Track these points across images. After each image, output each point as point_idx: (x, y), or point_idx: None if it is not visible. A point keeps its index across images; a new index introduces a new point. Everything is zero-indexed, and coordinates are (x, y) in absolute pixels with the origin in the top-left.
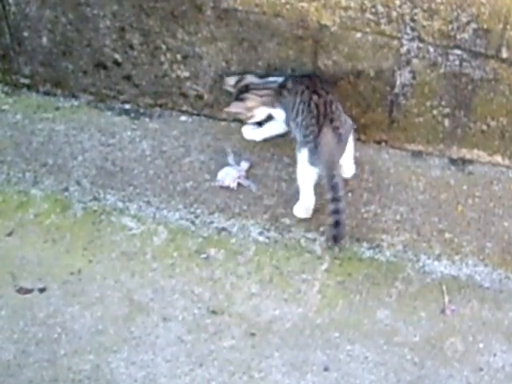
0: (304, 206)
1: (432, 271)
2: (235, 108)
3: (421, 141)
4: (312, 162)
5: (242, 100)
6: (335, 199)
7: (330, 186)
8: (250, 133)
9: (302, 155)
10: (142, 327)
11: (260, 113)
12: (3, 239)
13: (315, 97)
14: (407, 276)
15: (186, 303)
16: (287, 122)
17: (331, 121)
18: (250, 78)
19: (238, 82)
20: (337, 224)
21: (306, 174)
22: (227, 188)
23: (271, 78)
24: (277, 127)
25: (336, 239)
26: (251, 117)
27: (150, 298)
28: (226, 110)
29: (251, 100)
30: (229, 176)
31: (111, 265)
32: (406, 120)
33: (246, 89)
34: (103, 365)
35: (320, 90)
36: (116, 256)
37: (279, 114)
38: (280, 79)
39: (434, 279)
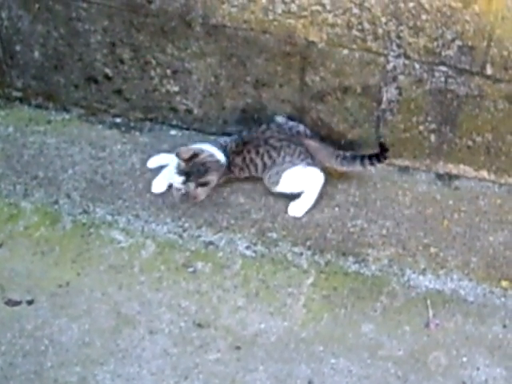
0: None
1: (417, 285)
2: (204, 195)
3: (407, 156)
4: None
5: (206, 185)
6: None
7: (353, 155)
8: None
9: (294, 170)
10: (128, 340)
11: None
12: None
13: (273, 140)
14: (392, 290)
15: (173, 316)
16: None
17: (299, 133)
18: (200, 160)
19: (192, 157)
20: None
21: (316, 177)
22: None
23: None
24: None
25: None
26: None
27: (136, 311)
28: (196, 201)
29: (214, 181)
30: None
31: (99, 278)
32: (392, 135)
33: (205, 170)
34: (89, 377)
35: (271, 133)
36: (104, 269)
37: None
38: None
39: (418, 293)
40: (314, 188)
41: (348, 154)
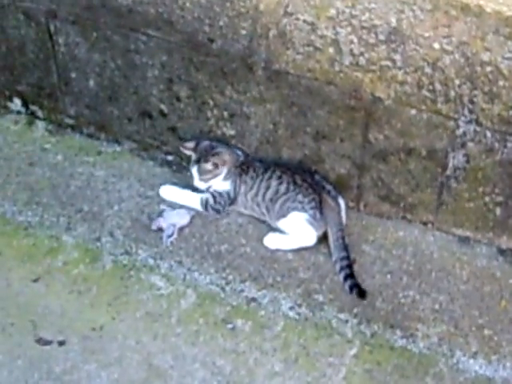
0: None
1: (466, 369)
2: (214, 161)
3: (469, 227)
4: (315, 226)
5: (218, 154)
6: (348, 257)
7: (343, 246)
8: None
9: (301, 216)
10: None
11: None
12: (29, 285)
13: (297, 176)
14: (439, 372)
15: (206, 374)
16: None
17: (323, 188)
18: (207, 142)
19: (197, 145)
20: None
21: (308, 238)
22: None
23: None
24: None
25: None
26: (216, 176)
27: (169, 365)
28: (209, 162)
29: (225, 154)
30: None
31: (134, 325)
32: (455, 203)
33: (212, 147)
34: None
35: (299, 172)
36: (140, 316)
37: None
38: (239, 153)
39: (467, 379)
40: (299, 242)
41: (342, 243)
